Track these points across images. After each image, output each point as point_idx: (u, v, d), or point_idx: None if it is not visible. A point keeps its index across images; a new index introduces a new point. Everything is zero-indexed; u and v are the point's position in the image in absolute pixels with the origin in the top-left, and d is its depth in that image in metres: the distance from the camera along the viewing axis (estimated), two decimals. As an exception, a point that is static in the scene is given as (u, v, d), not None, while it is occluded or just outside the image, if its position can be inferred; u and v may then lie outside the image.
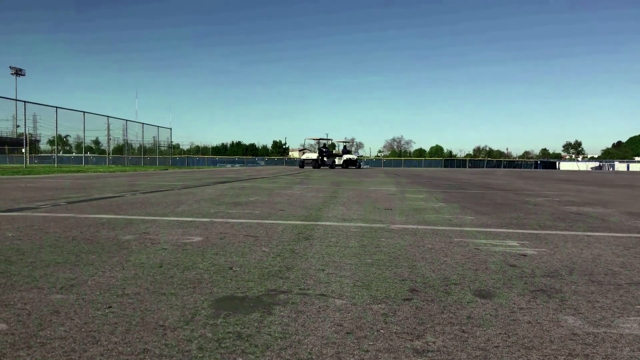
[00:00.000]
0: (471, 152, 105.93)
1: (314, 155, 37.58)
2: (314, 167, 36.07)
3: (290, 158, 76.93)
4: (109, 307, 1.50)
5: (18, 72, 41.57)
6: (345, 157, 39.44)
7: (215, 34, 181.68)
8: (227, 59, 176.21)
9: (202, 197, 5.88)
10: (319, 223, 3.52)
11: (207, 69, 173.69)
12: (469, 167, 62.39)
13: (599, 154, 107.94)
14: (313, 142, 40.64)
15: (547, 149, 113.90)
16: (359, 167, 39.56)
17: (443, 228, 3.36)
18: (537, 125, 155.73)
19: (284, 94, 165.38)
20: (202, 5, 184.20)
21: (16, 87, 40.27)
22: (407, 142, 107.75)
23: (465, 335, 1.31)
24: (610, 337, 1.31)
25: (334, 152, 41.59)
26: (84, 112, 28.08)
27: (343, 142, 44.89)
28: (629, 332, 1.35)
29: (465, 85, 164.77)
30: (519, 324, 1.41)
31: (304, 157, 38.69)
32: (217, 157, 70.77)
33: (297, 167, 38.56)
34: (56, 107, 25.40)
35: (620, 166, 69.64)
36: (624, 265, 2.23)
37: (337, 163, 39.98)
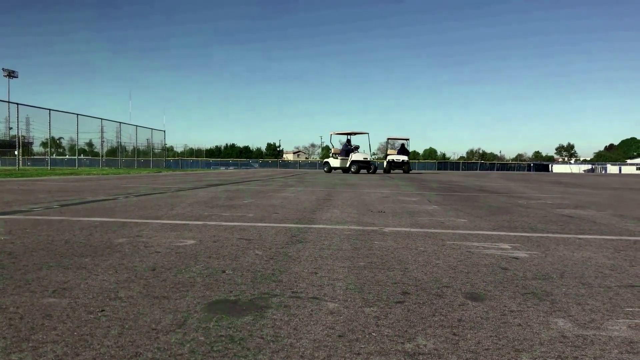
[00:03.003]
0: (464, 155, 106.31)
1: (359, 156, 26.54)
2: (371, 172, 26.06)
3: (285, 160, 76.84)
4: (102, 311, 1.50)
5: (11, 74, 41.37)
6: (391, 157, 28.93)
7: (210, 34, 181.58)
8: (222, 60, 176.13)
9: (196, 199, 5.87)
10: (313, 226, 3.53)
11: (201, 70, 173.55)
12: (463, 170, 62.60)
13: (592, 157, 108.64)
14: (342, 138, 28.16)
15: (540, 151, 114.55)
16: (408, 171, 28.85)
17: (436, 231, 3.37)
18: (530, 128, 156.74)
19: (278, 95, 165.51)
20: (196, 5, 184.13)
21: (9, 89, 40.12)
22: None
23: (456, 338, 1.32)
24: (600, 339, 1.33)
25: (388, 151, 30.90)
26: (77, 114, 27.95)
27: (400, 138, 31.92)
28: (617, 335, 1.36)
29: (458, 87, 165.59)
30: (510, 326, 1.42)
31: (355, 157, 26.56)
32: (211, 160, 70.65)
33: (320, 170, 27.28)
34: (49, 110, 25.26)
35: (612, 169, 70.13)
36: (614, 267, 2.25)
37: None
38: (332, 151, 28.85)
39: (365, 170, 26.16)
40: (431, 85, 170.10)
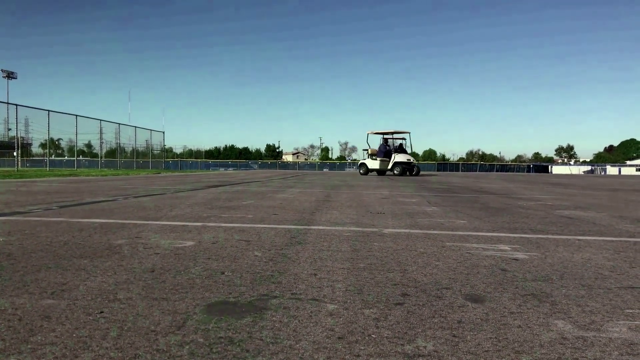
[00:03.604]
0: (464, 156, 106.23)
1: (403, 157, 24.25)
2: (414, 174, 24.05)
3: (284, 162, 76.75)
4: (101, 312, 1.49)
5: (10, 75, 41.35)
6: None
7: (209, 35, 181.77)
8: (221, 61, 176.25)
9: (195, 201, 5.87)
10: (312, 227, 3.53)
11: (201, 71, 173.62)
12: (462, 171, 62.61)
13: (591, 158, 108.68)
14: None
15: (540, 152, 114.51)
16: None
17: (435, 232, 3.37)
18: (529, 129, 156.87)
19: (277, 96, 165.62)
20: (195, 5, 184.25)
21: (8, 90, 40.07)
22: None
23: (456, 340, 1.32)
24: (600, 341, 1.33)
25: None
26: (76, 115, 27.97)
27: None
28: (617, 336, 1.36)
29: (457, 88, 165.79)
30: (510, 328, 1.42)
31: (399, 158, 24.23)
32: (211, 161, 70.58)
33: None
34: (48, 111, 25.30)
35: (612, 170, 70.14)
36: (613, 269, 2.25)
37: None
38: (369, 152, 26.48)
39: (407, 173, 24.31)
40: (431, 86, 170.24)
